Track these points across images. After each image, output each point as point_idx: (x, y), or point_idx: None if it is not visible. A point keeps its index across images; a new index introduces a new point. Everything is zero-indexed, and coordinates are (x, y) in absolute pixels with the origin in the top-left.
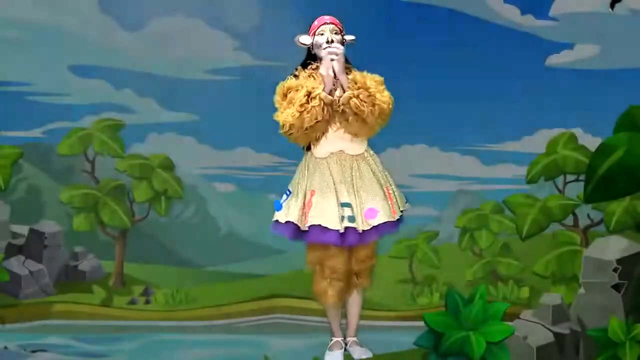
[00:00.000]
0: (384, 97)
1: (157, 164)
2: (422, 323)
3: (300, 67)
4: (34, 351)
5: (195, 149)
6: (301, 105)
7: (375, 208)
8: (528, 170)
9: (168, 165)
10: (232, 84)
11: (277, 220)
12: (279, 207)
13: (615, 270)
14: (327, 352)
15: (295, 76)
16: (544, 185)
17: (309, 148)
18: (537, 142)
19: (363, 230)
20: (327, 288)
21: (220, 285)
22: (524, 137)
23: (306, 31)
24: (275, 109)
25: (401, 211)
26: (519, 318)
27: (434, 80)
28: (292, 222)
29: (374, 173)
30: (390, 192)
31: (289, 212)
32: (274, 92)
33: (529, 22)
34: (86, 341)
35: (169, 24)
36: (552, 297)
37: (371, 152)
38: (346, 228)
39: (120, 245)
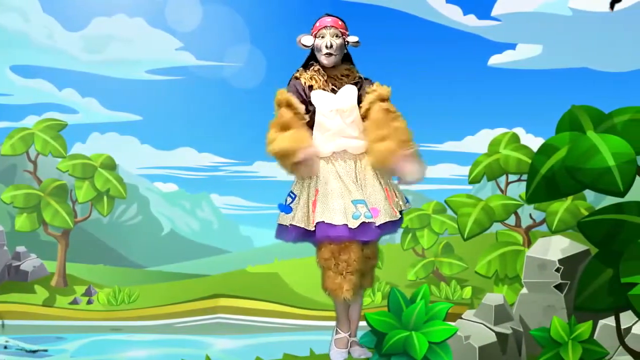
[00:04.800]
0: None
1: (99, 164)
2: (364, 323)
3: (301, 68)
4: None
5: (137, 148)
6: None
7: (377, 208)
8: (470, 170)
9: (110, 165)
10: (174, 84)
11: (281, 225)
12: (289, 210)
13: (557, 270)
14: (333, 347)
15: (297, 78)
16: (486, 185)
17: None
18: (479, 142)
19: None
20: (343, 283)
21: (162, 285)
22: (466, 137)
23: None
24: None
25: (401, 211)
26: (462, 318)
27: (374, 79)
28: (297, 226)
29: (375, 172)
30: (390, 191)
31: (295, 215)
32: (215, 91)
33: (471, 22)
34: (28, 341)
35: (111, 24)
36: (495, 297)
37: None
38: (363, 223)
39: (63, 245)
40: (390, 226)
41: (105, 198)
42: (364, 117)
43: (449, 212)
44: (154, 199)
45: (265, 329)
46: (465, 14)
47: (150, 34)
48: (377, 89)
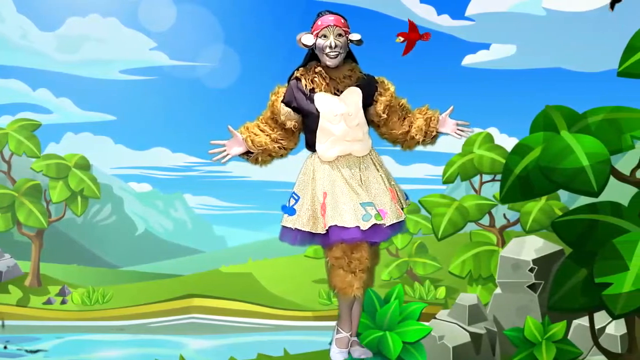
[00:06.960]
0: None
1: (73, 164)
2: None
3: (302, 67)
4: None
5: (111, 148)
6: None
7: (384, 209)
8: (444, 170)
9: (84, 165)
10: (148, 84)
11: (285, 227)
12: (292, 212)
13: (531, 270)
14: (334, 346)
15: (298, 79)
16: (460, 185)
17: (313, 150)
18: (453, 142)
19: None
20: (354, 281)
21: (136, 285)
22: (440, 137)
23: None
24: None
25: (402, 209)
26: (436, 318)
27: None
28: (302, 229)
29: (379, 173)
30: (394, 191)
31: (299, 218)
32: (189, 91)
33: (445, 22)
34: (2, 341)
35: (85, 24)
36: (468, 297)
37: (375, 151)
38: (373, 225)
39: (37, 245)
40: (397, 227)
41: (79, 198)
42: (382, 115)
43: (423, 212)
44: (128, 199)
45: (239, 329)
46: (439, 14)
47: (124, 34)
48: (390, 87)
